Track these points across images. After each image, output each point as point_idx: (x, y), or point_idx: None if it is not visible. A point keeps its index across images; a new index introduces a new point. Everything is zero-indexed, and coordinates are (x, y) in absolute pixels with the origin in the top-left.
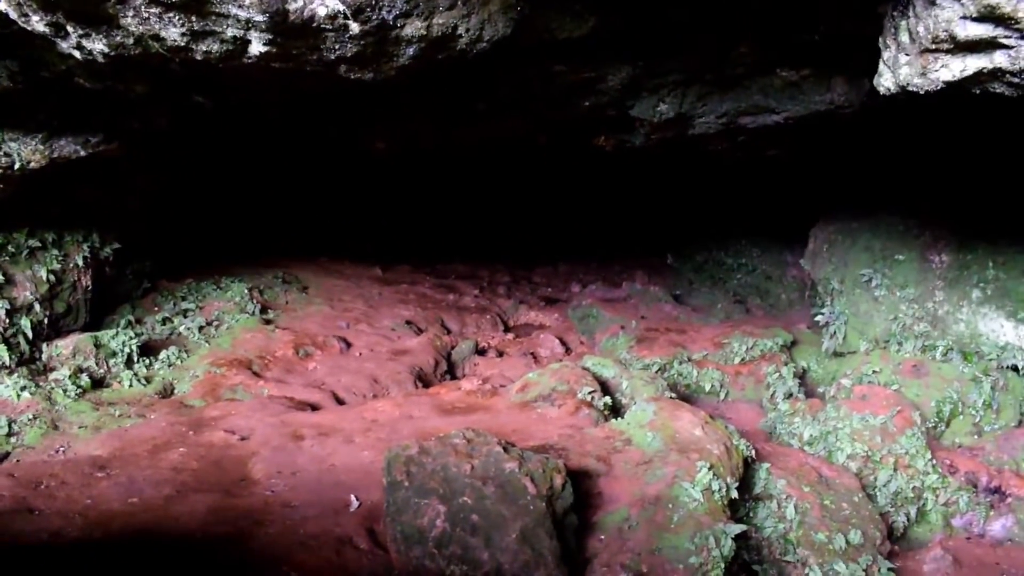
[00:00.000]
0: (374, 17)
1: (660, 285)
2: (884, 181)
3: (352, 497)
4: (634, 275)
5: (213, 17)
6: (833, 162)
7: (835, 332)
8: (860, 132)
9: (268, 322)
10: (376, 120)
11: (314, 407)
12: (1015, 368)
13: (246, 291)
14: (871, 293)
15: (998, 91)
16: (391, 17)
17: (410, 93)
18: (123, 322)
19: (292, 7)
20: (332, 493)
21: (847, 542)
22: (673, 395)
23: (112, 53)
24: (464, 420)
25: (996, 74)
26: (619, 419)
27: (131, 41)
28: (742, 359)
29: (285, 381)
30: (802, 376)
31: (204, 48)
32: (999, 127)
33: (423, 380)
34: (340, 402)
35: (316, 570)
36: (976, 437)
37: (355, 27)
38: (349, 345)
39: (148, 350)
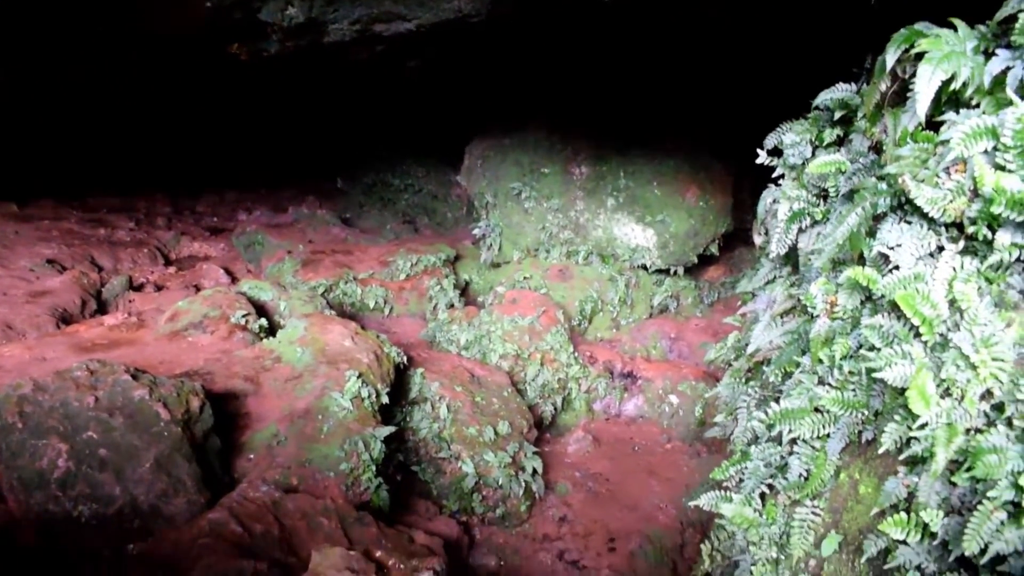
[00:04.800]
0: None
1: (329, 209)
2: (532, 99)
3: None
4: (304, 200)
5: None
6: (485, 80)
7: (491, 244)
8: (503, 49)
9: None
10: None
11: None
12: (645, 267)
13: None
14: (522, 205)
15: None
16: None
17: None
18: None
19: None
20: None
21: (496, 433)
22: (333, 312)
23: None
24: (106, 356)
25: None
26: (271, 338)
27: None
28: (406, 275)
29: None
30: (465, 288)
31: None
32: (626, 48)
33: (68, 322)
34: None
35: None
36: (615, 331)
37: None
38: None
39: None
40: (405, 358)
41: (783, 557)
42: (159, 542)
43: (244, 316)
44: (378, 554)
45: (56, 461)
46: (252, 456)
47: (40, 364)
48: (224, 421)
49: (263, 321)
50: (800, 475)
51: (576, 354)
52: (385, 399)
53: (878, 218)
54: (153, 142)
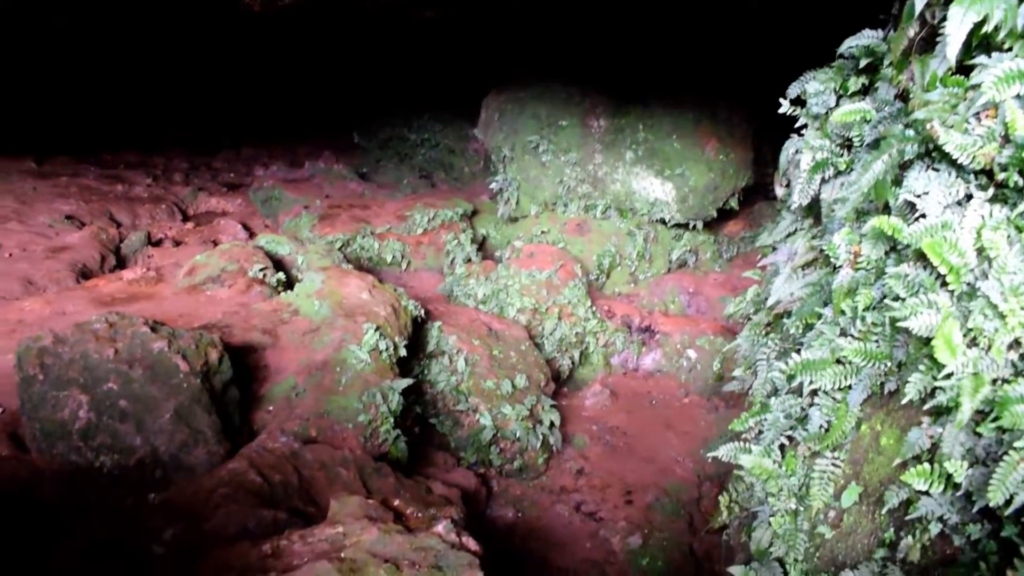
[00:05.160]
0: None
1: (345, 164)
2: (549, 51)
3: None
4: (320, 155)
5: None
6: (503, 32)
7: (509, 198)
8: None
9: None
10: None
11: None
12: (663, 221)
13: None
14: (539, 159)
15: None
16: None
17: None
18: None
19: None
20: None
21: (513, 386)
22: (350, 266)
23: None
24: (125, 310)
25: None
26: (288, 292)
27: None
28: (423, 230)
29: None
30: (482, 243)
31: None
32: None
33: (88, 276)
34: None
35: None
36: (633, 285)
37: None
38: None
39: None
40: (422, 312)
41: (802, 508)
42: (180, 492)
43: (262, 270)
44: (396, 503)
45: (77, 412)
46: (271, 408)
47: (60, 318)
48: (243, 373)
49: (280, 275)
50: (820, 426)
51: (594, 308)
52: (403, 352)
53: (905, 166)
54: (169, 99)
